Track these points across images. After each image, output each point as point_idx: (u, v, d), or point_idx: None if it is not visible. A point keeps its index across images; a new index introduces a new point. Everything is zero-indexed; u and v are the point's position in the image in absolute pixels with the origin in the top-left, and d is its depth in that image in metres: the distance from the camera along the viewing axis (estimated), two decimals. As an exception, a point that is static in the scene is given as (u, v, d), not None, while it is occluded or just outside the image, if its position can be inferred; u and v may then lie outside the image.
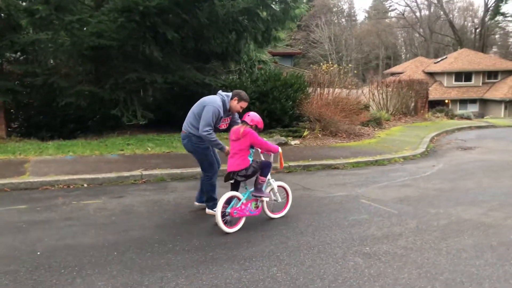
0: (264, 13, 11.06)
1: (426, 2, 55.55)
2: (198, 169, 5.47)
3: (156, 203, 5.47)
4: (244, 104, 4.81)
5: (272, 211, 4.86)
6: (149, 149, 8.56)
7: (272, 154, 4.73)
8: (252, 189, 4.57)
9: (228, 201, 4.38)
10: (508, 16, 47.54)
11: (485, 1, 49.20)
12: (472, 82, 37.95)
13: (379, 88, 17.31)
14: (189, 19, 9.33)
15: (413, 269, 3.54)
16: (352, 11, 69.39)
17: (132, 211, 5.11)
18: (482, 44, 49.36)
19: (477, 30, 52.28)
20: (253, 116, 4.49)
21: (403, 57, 61.23)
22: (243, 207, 4.43)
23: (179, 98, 11.52)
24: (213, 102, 4.63)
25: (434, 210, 5.32)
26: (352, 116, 12.11)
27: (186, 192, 6.06)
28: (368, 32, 59.91)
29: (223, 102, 4.70)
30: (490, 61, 39.60)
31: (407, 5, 59.97)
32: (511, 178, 7.31)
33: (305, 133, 10.79)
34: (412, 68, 41.01)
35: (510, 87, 34.60)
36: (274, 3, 11.16)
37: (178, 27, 9.49)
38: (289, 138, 10.38)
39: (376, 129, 13.61)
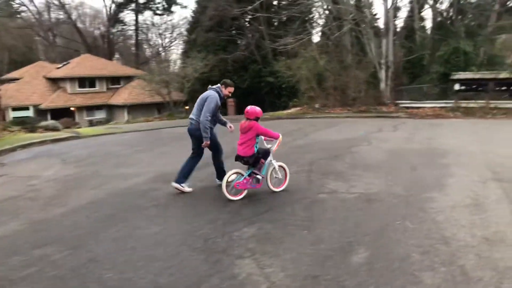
0: None
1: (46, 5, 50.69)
2: None
3: None
4: (231, 89, 6.06)
5: (274, 186, 5.97)
6: None
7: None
8: (254, 168, 5.71)
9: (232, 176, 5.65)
10: (128, 25, 49.57)
11: (106, 9, 49.56)
12: (97, 88, 36.69)
13: None
14: None
15: None
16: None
17: None
18: (109, 51, 49.59)
19: (105, 37, 52.30)
20: (251, 111, 5.62)
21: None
22: (245, 181, 5.62)
23: None
24: (212, 95, 5.83)
25: None
26: None
27: None
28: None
29: (218, 92, 5.92)
30: (113, 67, 39.59)
31: (23, 5, 52.44)
32: None
33: None
34: (32, 74, 36.11)
35: (130, 93, 35.23)
36: None
37: None
38: None
39: None
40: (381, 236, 4.25)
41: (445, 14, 24.87)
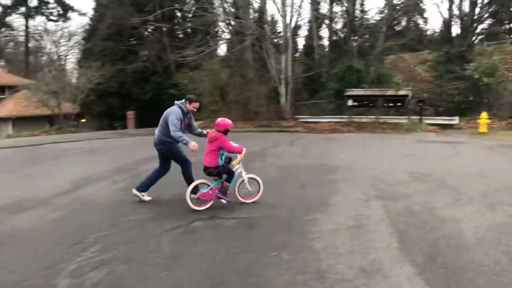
0: None
1: None
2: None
3: None
4: (195, 104, 6.06)
5: (243, 197, 5.93)
6: None
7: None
8: (221, 180, 5.67)
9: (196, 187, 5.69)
10: (17, 30, 44.87)
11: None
12: (-25, 98, 32.38)
13: None
14: None
15: None
16: None
17: None
18: (-5, 58, 44.41)
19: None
20: (222, 123, 5.62)
21: None
22: (210, 192, 5.64)
23: None
24: (174, 110, 5.90)
25: None
26: None
27: None
28: None
29: (181, 108, 5.95)
30: (-4, 75, 35.41)
31: None
32: None
33: None
34: None
35: (17, 104, 31.58)
36: None
37: None
38: None
39: None
40: (252, 273, 3.68)
41: (340, 34, 26.23)
